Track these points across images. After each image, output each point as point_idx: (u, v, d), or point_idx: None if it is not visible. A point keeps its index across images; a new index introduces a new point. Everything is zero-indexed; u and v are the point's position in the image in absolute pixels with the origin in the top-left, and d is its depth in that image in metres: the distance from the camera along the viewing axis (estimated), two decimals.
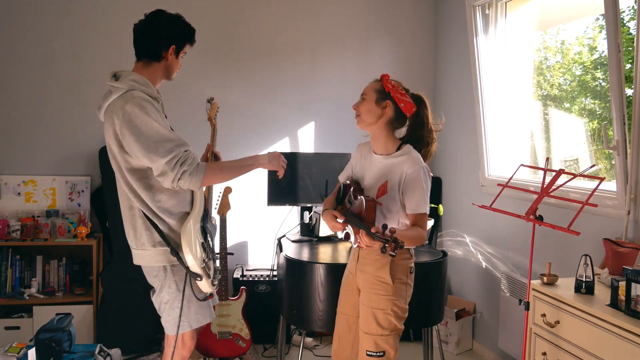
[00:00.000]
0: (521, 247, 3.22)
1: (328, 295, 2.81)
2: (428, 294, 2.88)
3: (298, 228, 3.75)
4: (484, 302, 3.66)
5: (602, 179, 2.38)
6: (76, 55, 3.68)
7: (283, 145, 4.03)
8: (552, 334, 2.20)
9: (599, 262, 2.48)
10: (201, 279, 2.21)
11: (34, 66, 3.64)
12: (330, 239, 3.53)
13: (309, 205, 3.72)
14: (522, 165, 2.71)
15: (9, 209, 3.58)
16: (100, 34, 3.69)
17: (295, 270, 2.96)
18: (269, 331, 3.66)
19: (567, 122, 3.42)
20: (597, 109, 3.24)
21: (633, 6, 2.65)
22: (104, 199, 3.56)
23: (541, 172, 2.63)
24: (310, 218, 3.61)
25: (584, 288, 2.14)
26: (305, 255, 3.13)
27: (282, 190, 3.70)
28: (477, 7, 3.53)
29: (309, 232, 3.60)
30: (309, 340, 3.76)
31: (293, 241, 3.49)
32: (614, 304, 1.98)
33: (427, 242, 3.36)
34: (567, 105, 3.48)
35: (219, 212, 3.37)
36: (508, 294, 3.29)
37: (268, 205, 3.73)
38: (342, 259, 3.00)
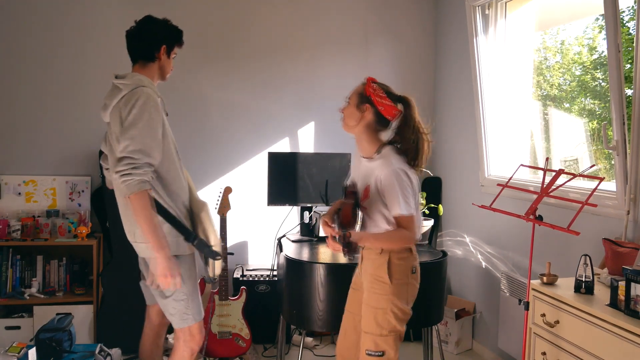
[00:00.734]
0: (521, 247, 3.22)
1: (328, 295, 2.81)
2: (428, 294, 2.87)
3: (298, 228, 3.75)
4: (484, 302, 3.66)
5: (601, 179, 2.39)
6: (76, 55, 3.68)
7: (283, 145, 4.03)
8: (551, 334, 2.20)
9: (598, 262, 2.48)
10: (220, 258, 2.32)
11: (34, 67, 3.64)
12: None
13: (309, 205, 3.72)
14: (521, 165, 2.72)
15: (10, 209, 3.58)
16: (101, 35, 3.69)
17: (295, 270, 2.96)
18: (269, 331, 3.66)
19: (567, 122, 3.43)
20: (597, 109, 3.25)
21: (633, 6, 2.65)
22: (104, 199, 3.56)
23: (541, 172, 2.63)
24: (310, 218, 3.62)
25: (584, 288, 2.14)
26: (305, 255, 3.13)
27: (282, 190, 3.71)
28: (477, 7, 3.54)
29: (309, 232, 3.60)
30: (309, 340, 3.77)
31: (293, 241, 3.49)
32: (614, 303, 1.98)
33: (427, 242, 3.37)
34: (566, 105, 3.48)
35: (219, 212, 3.37)
36: (508, 294, 3.29)
37: (268, 205, 3.73)
38: (342, 259, 3.00)
